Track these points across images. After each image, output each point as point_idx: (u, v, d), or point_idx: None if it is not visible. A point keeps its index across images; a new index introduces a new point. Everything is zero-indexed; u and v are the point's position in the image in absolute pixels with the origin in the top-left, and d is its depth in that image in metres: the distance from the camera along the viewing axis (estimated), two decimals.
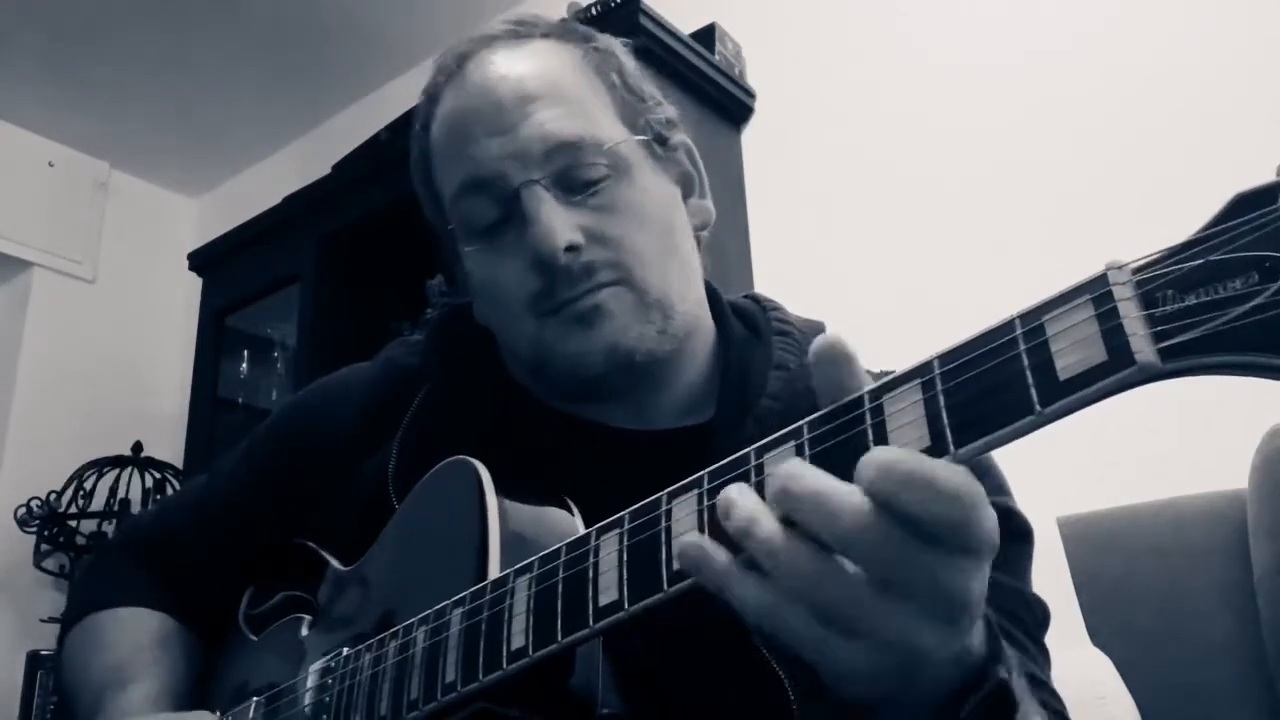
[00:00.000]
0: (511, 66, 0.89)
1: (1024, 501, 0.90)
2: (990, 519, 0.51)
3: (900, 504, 0.49)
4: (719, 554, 0.54)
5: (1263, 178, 0.44)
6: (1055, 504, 1.54)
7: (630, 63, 0.96)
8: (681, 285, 0.90)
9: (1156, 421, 1.56)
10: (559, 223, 0.83)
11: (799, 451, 0.55)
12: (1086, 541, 1.48)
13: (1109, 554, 1.47)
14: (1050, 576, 1.41)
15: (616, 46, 0.97)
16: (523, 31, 0.94)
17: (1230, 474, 1.43)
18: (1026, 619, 0.84)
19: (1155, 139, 1.82)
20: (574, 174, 0.86)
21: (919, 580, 0.50)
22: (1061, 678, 0.86)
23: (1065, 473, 1.52)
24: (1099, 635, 1.40)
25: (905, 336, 1.84)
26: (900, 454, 0.50)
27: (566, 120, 0.86)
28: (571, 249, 0.84)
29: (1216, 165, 1.70)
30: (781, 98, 2.35)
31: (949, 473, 0.49)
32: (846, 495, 0.50)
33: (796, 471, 0.52)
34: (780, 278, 2.12)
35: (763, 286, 1.46)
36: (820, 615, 0.51)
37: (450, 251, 0.96)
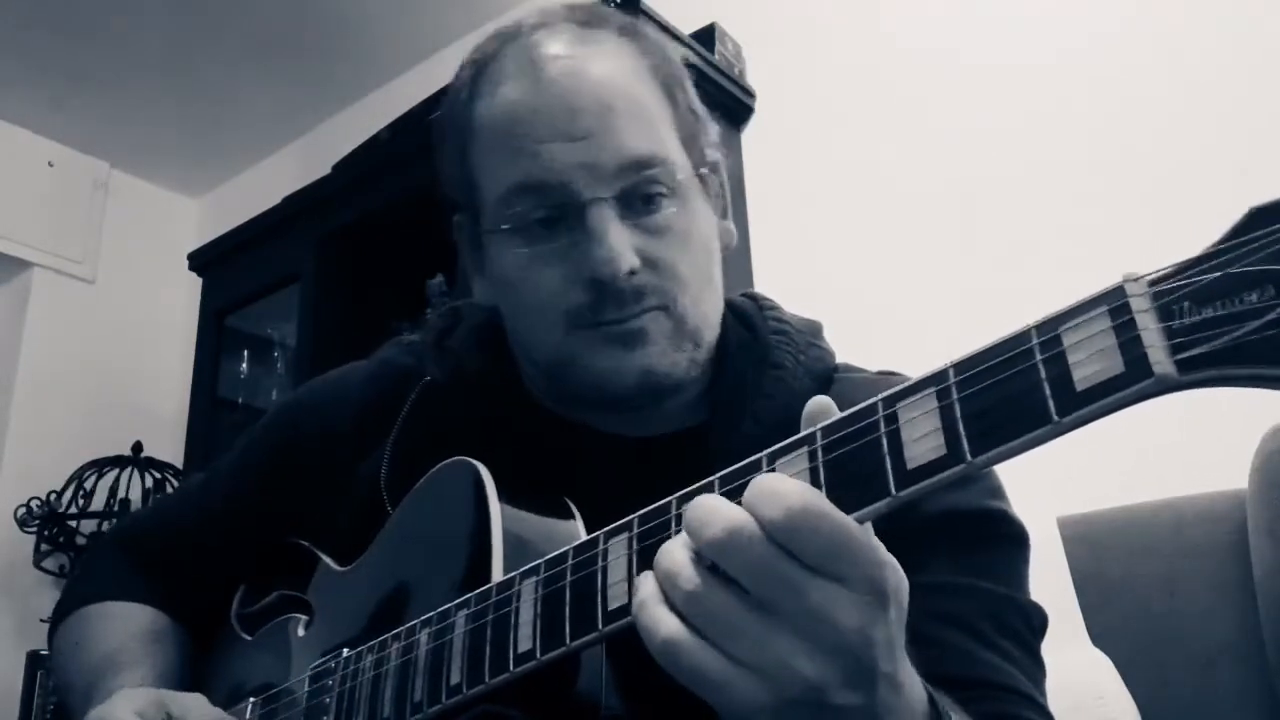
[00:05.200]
0: (587, 65, 0.86)
1: (1023, 501, 0.90)
2: (869, 556, 0.53)
3: (763, 519, 0.51)
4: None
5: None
6: (1055, 504, 1.54)
7: (690, 79, 0.95)
8: (712, 312, 0.90)
9: (1156, 421, 1.56)
10: (624, 245, 0.82)
11: (812, 458, 0.55)
12: (1086, 541, 1.48)
13: (1109, 554, 1.47)
14: (1050, 576, 1.41)
15: (681, 59, 0.95)
16: (595, 23, 0.90)
17: (1230, 474, 1.43)
18: (1019, 627, 0.83)
19: (1156, 142, 1.82)
20: (637, 193, 0.84)
21: (791, 599, 0.52)
22: (1061, 678, 0.86)
23: (1065, 473, 1.52)
24: (1099, 635, 1.39)
25: (905, 337, 1.85)
26: (769, 476, 0.54)
27: (641, 138, 0.85)
28: (630, 273, 0.83)
29: (1226, 169, 1.71)
30: (781, 98, 2.35)
31: (806, 492, 0.52)
32: (724, 507, 0.53)
33: (701, 498, 0.55)
34: (779, 277, 2.12)
35: (762, 286, 1.46)
36: (707, 637, 0.53)
37: (467, 231, 0.94)
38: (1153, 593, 1.41)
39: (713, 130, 0.95)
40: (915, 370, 0.94)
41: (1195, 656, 1.35)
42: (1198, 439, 1.58)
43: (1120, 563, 1.46)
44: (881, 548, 0.54)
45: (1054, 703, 0.83)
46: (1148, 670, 1.35)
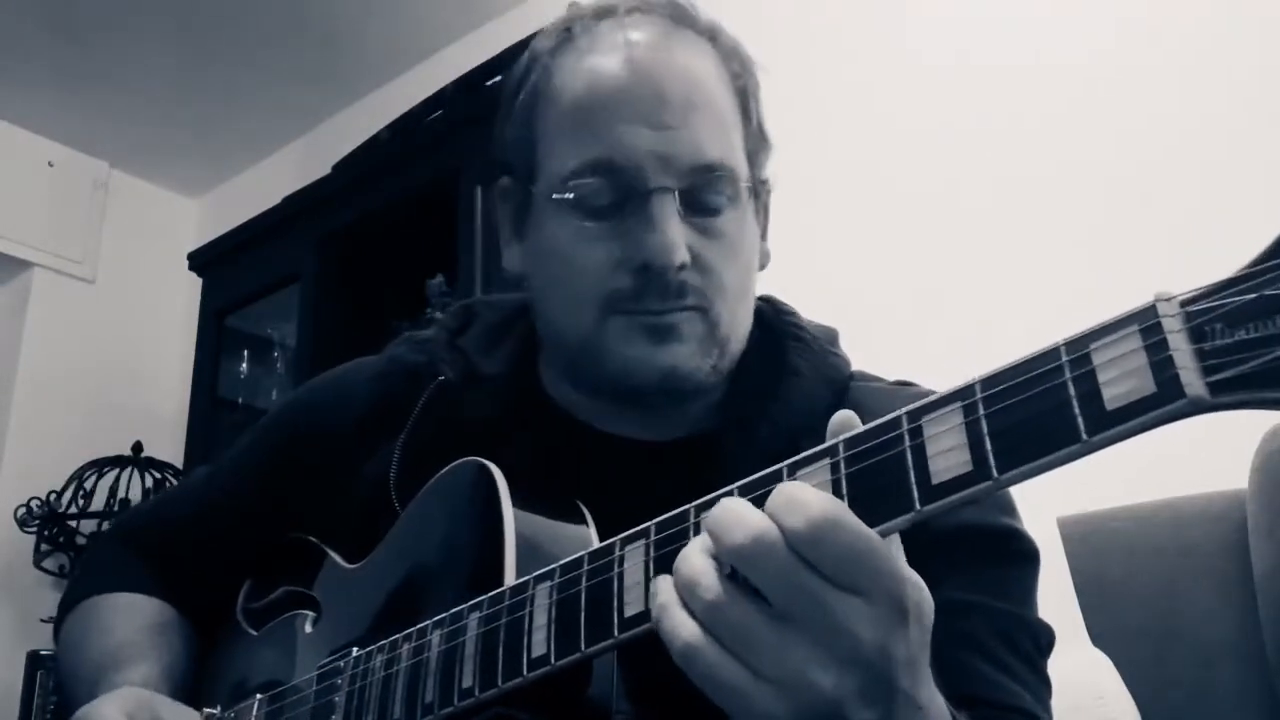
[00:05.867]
0: (676, 57, 0.87)
1: (1024, 501, 0.89)
2: (890, 570, 0.53)
3: (785, 528, 0.51)
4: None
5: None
6: (1055, 504, 1.54)
7: (760, 95, 0.96)
8: (742, 325, 0.91)
9: None
10: (680, 238, 0.83)
11: (834, 470, 0.55)
12: (1086, 541, 1.48)
13: (1109, 554, 1.47)
14: (1050, 576, 1.40)
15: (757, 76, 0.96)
16: (684, 20, 0.91)
17: (1230, 474, 1.43)
18: (1028, 647, 0.82)
19: (1160, 144, 1.82)
20: (701, 194, 0.85)
21: (811, 610, 0.51)
22: (1062, 678, 0.86)
23: (1065, 473, 1.51)
24: (1099, 635, 1.40)
25: (905, 338, 1.85)
26: (792, 484, 0.53)
27: (716, 143, 0.86)
28: (681, 267, 0.83)
29: (1228, 170, 1.71)
30: (780, 98, 2.34)
31: (829, 502, 0.52)
32: (748, 513, 0.53)
33: (725, 503, 0.55)
34: (778, 278, 2.12)
35: (762, 288, 1.46)
36: (726, 646, 0.53)
37: (515, 195, 0.94)
38: (1153, 593, 1.41)
39: (771, 150, 0.96)
40: (919, 373, 0.95)
41: (1195, 656, 1.35)
42: (1198, 439, 1.58)
43: (1120, 563, 1.46)
44: (904, 563, 0.54)
45: (1054, 703, 0.83)
46: (1148, 670, 1.35)
